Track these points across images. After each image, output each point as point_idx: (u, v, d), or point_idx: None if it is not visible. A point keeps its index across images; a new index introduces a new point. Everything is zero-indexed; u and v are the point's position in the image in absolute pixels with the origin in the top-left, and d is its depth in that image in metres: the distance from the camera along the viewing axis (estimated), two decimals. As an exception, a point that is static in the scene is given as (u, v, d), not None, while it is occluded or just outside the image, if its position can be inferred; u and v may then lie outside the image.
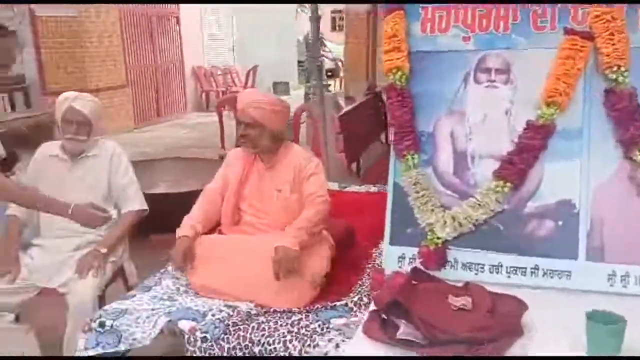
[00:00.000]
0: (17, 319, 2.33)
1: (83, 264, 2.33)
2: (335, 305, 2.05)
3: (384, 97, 2.86)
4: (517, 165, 1.78)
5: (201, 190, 3.81)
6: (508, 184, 1.80)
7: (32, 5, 7.54)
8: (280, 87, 13.39)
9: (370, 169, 4.27)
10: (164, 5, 10.13)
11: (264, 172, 2.39)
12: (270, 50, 12.91)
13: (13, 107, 7.22)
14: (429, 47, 2.01)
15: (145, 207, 2.61)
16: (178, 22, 10.69)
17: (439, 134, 1.96)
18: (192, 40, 11.11)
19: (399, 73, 1.97)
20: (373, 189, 3.50)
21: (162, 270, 2.35)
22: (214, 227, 2.44)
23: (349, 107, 3.81)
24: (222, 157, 4.76)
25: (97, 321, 1.95)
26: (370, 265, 2.43)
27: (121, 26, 8.80)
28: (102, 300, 2.34)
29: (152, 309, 2.03)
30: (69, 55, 7.88)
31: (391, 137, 2.04)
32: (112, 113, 8.58)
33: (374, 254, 2.56)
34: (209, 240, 2.32)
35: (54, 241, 2.46)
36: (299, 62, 15.75)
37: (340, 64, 13.20)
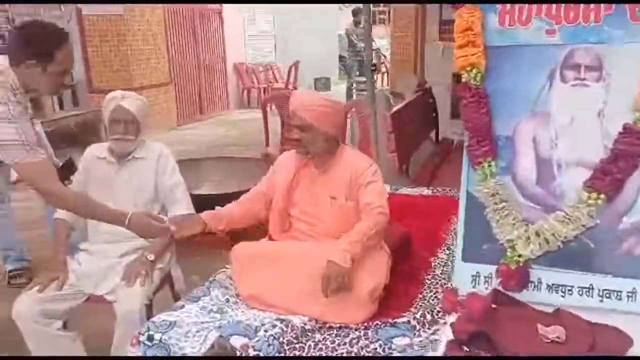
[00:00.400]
0: (64, 326, 2.25)
1: (130, 271, 2.24)
2: (396, 322, 1.88)
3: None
4: (613, 175, 1.57)
5: (245, 192, 3.75)
6: (601, 196, 1.59)
7: (79, 5, 7.61)
8: (321, 83, 13.27)
9: (422, 170, 4.08)
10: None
11: (317, 177, 2.23)
12: (310, 46, 12.79)
13: (61, 106, 7.30)
14: (507, 42, 1.80)
15: (193, 210, 2.50)
16: (221, 19, 10.68)
17: (519, 139, 1.76)
18: (234, 37, 11.08)
19: (474, 71, 1.78)
20: (426, 191, 3.31)
21: (210, 279, 2.23)
22: (246, 229, 2.38)
23: (401, 105, 3.61)
24: (266, 156, 4.70)
25: (146, 334, 1.84)
26: (429, 277, 2.25)
27: (165, 24, 8.81)
28: (149, 308, 2.24)
29: (202, 322, 1.91)
30: (114, 54, 7.93)
31: (456, 138, 1.85)
32: (155, 111, 8.60)
33: (432, 263, 2.38)
34: (258, 246, 2.20)
35: (101, 246, 2.39)
36: (340, 57, 15.62)
37: (382, 58, 12.94)
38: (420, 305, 2.01)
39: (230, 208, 2.28)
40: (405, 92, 4.38)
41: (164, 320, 1.90)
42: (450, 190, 3.26)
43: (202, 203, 2.52)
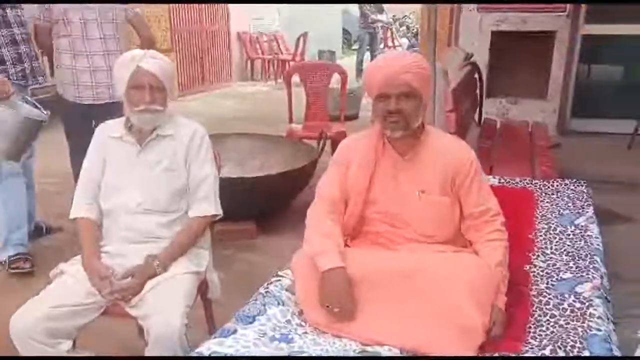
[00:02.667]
0: (74, 345, 1.79)
1: (135, 285, 1.79)
2: (522, 357, 1.45)
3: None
4: None
5: (271, 176, 3.25)
6: None
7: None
8: (326, 56, 12.70)
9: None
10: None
11: (400, 167, 1.77)
12: (314, 18, 12.15)
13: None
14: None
15: (221, 211, 2.01)
16: (225, -15, 10.03)
17: None
18: (237, 4, 10.42)
19: None
20: (492, 180, 2.83)
21: (262, 291, 1.78)
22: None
23: (458, 80, 3.13)
24: (290, 133, 4.23)
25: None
26: (534, 293, 1.81)
27: (167, -12, 8.19)
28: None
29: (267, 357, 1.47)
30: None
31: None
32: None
33: (530, 274, 1.94)
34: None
35: (124, 247, 1.91)
36: (344, 31, 15.01)
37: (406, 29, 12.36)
38: (540, 335, 1.58)
39: (334, 229, 1.76)
40: (447, 67, 3.89)
41: (215, 354, 1.45)
42: (512, 180, 2.81)
43: (221, 186, 2.05)
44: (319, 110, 4.47)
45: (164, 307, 1.70)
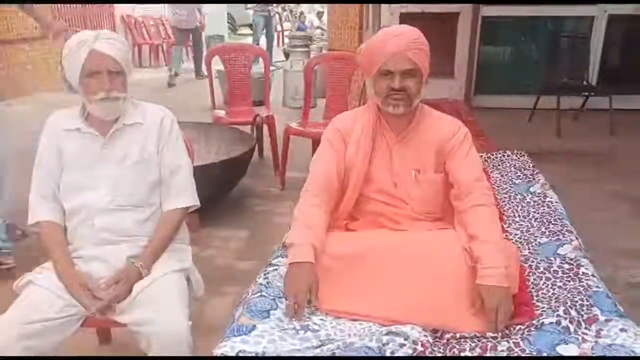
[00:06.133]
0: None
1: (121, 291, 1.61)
2: (542, 323, 1.50)
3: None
4: None
5: (213, 165, 3.10)
6: None
7: None
8: (215, 40, 12.34)
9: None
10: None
11: (395, 145, 1.76)
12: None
13: None
14: None
15: (197, 202, 1.87)
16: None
17: None
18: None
19: None
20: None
21: (263, 282, 1.68)
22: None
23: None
24: (218, 120, 4.02)
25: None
26: (521, 259, 1.88)
27: (43, -36, 7.40)
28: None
29: (299, 349, 1.39)
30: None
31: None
32: (33, 69, 7.29)
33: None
34: (336, 242, 1.68)
35: (97, 250, 1.70)
36: (229, 15, 14.66)
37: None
38: (545, 297, 1.65)
39: (319, 218, 1.68)
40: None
41: (243, 352, 1.35)
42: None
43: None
44: (242, 94, 4.30)
45: (164, 310, 1.55)
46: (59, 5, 7.80)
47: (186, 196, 1.82)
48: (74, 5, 8.33)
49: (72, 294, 1.57)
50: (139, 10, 10.55)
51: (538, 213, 2.21)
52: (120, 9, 9.78)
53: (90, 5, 8.80)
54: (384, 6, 5.33)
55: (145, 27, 10.39)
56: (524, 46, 5.77)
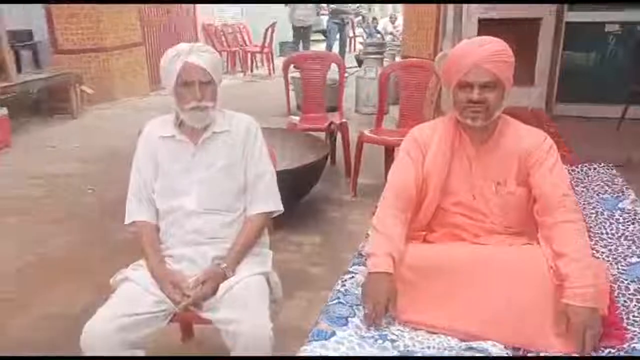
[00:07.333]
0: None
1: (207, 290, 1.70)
2: (633, 348, 1.43)
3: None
4: None
5: (289, 171, 3.15)
6: None
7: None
8: (288, 47, 12.57)
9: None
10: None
11: (475, 157, 1.73)
12: (275, 10, 11.95)
13: (19, 69, 6.29)
14: None
15: (281, 207, 1.92)
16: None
17: None
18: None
19: None
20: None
21: (340, 289, 1.71)
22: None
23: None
24: (293, 127, 4.11)
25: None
26: (610, 279, 1.79)
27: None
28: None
29: (379, 360, 1.41)
30: (82, 10, 6.97)
31: None
32: (128, 74, 7.73)
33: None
34: (419, 253, 1.68)
35: (187, 250, 1.80)
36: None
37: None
38: (636, 321, 1.58)
39: (398, 228, 1.68)
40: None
41: None
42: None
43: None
44: (317, 101, 4.37)
45: (249, 311, 1.61)
46: (145, 14, 8.23)
47: (270, 201, 1.89)
48: (160, 14, 8.76)
49: (164, 291, 1.67)
50: (219, 18, 10.95)
51: (628, 231, 2.11)
52: (201, 17, 10.19)
53: (174, 14, 9.22)
54: (463, 12, 5.25)
55: (224, 34, 10.76)
56: (611, 53, 5.48)
